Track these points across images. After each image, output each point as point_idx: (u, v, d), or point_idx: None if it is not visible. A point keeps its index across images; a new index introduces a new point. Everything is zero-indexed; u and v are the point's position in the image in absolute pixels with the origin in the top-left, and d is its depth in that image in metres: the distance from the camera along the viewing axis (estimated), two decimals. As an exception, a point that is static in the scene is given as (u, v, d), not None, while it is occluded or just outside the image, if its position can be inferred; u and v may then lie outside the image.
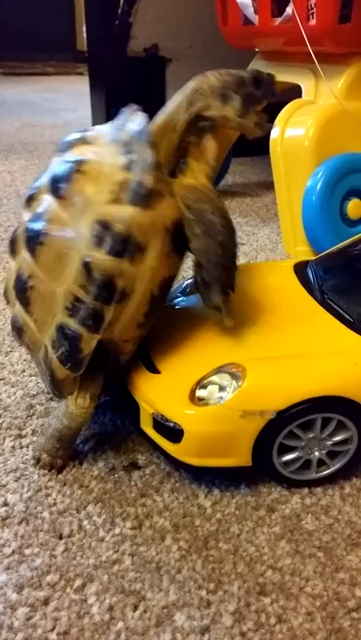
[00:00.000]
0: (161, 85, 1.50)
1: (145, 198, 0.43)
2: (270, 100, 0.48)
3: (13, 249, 0.49)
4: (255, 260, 0.93)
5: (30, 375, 0.63)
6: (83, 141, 0.47)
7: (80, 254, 0.43)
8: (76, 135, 0.48)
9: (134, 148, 0.44)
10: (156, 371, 0.49)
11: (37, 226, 0.45)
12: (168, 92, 1.51)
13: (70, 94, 2.95)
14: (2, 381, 0.62)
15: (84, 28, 1.95)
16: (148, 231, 0.43)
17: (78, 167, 0.45)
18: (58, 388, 0.48)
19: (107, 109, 1.49)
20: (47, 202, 0.46)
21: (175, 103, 0.47)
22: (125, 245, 0.43)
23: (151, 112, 1.50)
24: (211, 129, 0.48)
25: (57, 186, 0.45)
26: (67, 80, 3.67)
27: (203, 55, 1.47)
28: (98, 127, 0.48)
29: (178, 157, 0.48)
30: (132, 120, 0.46)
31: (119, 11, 1.40)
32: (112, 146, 0.45)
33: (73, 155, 0.46)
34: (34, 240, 0.45)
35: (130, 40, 1.43)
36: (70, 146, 0.47)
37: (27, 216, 0.48)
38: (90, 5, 1.55)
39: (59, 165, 0.46)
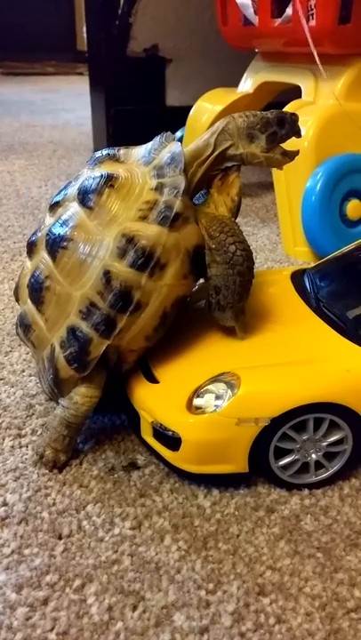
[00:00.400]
0: (161, 85, 1.50)
1: (172, 220, 0.46)
2: (296, 136, 0.51)
3: (32, 250, 0.52)
4: (255, 260, 0.92)
5: (30, 375, 0.63)
6: (114, 159, 0.51)
7: (102, 263, 0.46)
8: (108, 151, 0.51)
9: (166, 172, 0.48)
10: (154, 380, 0.50)
11: (61, 231, 0.48)
12: (168, 92, 1.51)
13: (70, 94, 2.95)
14: (1, 381, 0.62)
15: (84, 29, 1.95)
16: (171, 251, 0.46)
17: (109, 182, 0.48)
18: (59, 387, 0.50)
19: (106, 110, 1.49)
20: (74, 209, 0.49)
21: (204, 140, 0.51)
22: (147, 260, 0.46)
23: (151, 112, 1.50)
24: (237, 167, 0.51)
25: (86, 196, 0.48)
26: (66, 80, 3.67)
27: (202, 55, 1.47)
28: (130, 148, 0.52)
29: (199, 189, 0.51)
30: (168, 147, 0.49)
31: (119, 11, 1.40)
32: (144, 167, 0.49)
33: (104, 170, 0.49)
34: (57, 243, 0.48)
35: (130, 40, 1.43)
36: (101, 162, 0.51)
37: (49, 220, 0.51)
38: (90, 6, 1.55)
39: (89, 178, 0.49)
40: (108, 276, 0.46)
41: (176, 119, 1.30)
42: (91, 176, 0.49)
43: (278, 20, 0.96)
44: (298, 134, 0.51)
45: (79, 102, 2.53)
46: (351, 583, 0.40)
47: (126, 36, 1.42)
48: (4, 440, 0.53)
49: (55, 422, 0.50)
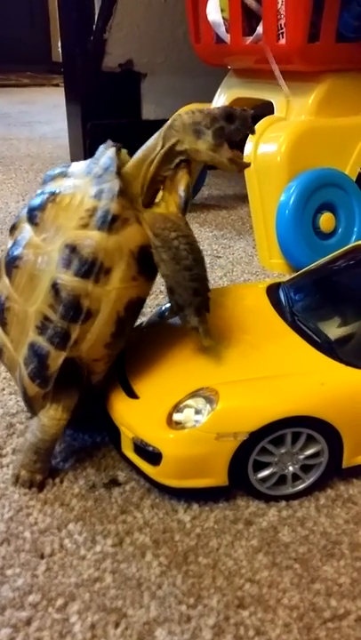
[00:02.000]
0: (136, 100, 1.52)
1: (110, 224, 0.46)
2: (249, 133, 0.50)
3: None
4: (231, 273, 0.94)
5: (10, 394, 0.63)
6: (63, 175, 0.51)
7: (50, 276, 0.47)
8: (58, 170, 0.52)
9: (104, 178, 0.48)
10: (134, 396, 0.50)
11: (15, 251, 0.49)
12: (143, 106, 1.52)
13: (46, 106, 2.95)
14: (-19, 401, 0.62)
15: (60, 43, 1.96)
16: (114, 254, 0.46)
17: (52, 197, 0.49)
18: (30, 405, 0.51)
19: (83, 124, 1.50)
20: (25, 229, 0.50)
21: (152, 139, 0.50)
22: (91, 267, 0.46)
23: (127, 126, 1.51)
24: (185, 163, 0.50)
25: (32, 214, 0.49)
26: (42, 91, 3.67)
27: (177, 70, 1.49)
28: (79, 162, 0.52)
29: (154, 190, 0.51)
30: (105, 153, 0.49)
31: (94, 27, 1.41)
32: (86, 178, 0.49)
33: (51, 187, 0.50)
34: (10, 264, 0.49)
35: (105, 55, 1.44)
36: (52, 179, 0.51)
37: (9, 244, 0.51)
38: (65, 22, 1.56)
39: (37, 196, 0.50)
40: (56, 287, 0.46)
41: (152, 133, 1.30)
42: (37, 194, 0.50)
43: (250, 39, 0.98)
44: (251, 130, 0.50)
45: (55, 114, 2.53)
46: (328, 593, 0.41)
47: (101, 51, 1.44)
48: (-16, 460, 0.53)
49: (25, 447, 0.50)
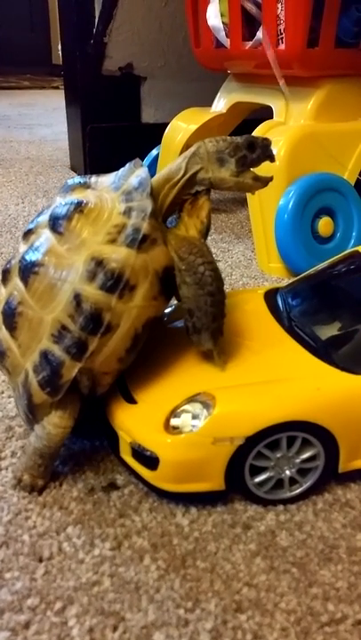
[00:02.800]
0: (136, 103, 1.52)
1: (140, 242, 0.47)
2: (269, 161, 0.52)
3: (6, 278, 0.52)
4: (230, 277, 0.94)
5: (9, 397, 0.63)
6: (85, 186, 0.52)
7: (73, 286, 0.47)
8: (80, 179, 0.52)
9: (134, 197, 0.49)
10: (132, 401, 0.51)
11: (33, 257, 0.49)
12: (143, 110, 1.53)
13: (46, 109, 2.96)
14: (-20, 404, 0.62)
15: (60, 46, 1.96)
16: (139, 273, 0.47)
17: (79, 207, 0.49)
18: (33, 413, 0.50)
19: (83, 127, 1.50)
20: (45, 236, 0.49)
21: (177, 164, 0.52)
22: (117, 282, 0.46)
23: (127, 129, 1.51)
24: (207, 190, 0.52)
25: (56, 222, 0.49)
26: (42, 94, 3.68)
27: (176, 74, 1.49)
28: (101, 176, 0.53)
29: (171, 212, 0.52)
30: (135, 173, 0.50)
31: (94, 30, 1.42)
32: (113, 193, 0.50)
33: (75, 197, 0.50)
34: (28, 269, 0.49)
35: (105, 59, 1.45)
36: (72, 189, 0.52)
37: (23, 248, 0.51)
38: (65, 25, 1.57)
39: (60, 205, 0.50)
40: (78, 298, 0.46)
41: (151, 136, 1.32)
42: (62, 203, 0.50)
43: (249, 43, 0.98)
44: (271, 159, 0.52)
45: (55, 117, 2.54)
46: (325, 597, 0.42)
47: (101, 54, 1.44)
48: (-17, 463, 0.54)
49: (29, 450, 0.50)
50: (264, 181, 0.52)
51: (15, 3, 4.17)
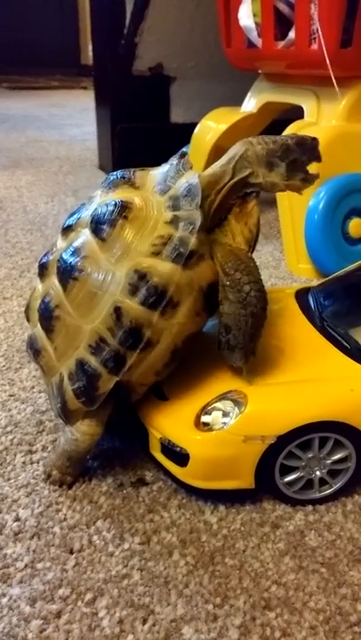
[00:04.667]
0: (165, 103, 1.53)
1: (186, 258, 0.45)
2: (317, 161, 0.49)
3: (43, 272, 0.51)
4: (258, 278, 0.94)
5: (40, 392, 0.64)
6: (129, 183, 0.49)
7: (113, 298, 0.45)
8: (123, 174, 0.50)
9: (182, 205, 0.46)
10: (163, 397, 0.51)
11: (73, 260, 0.47)
12: (172, 110, 1.54)
13: (75, 109, 2.99)
14: (12, 398, 0.64)
15: (90, 46, 1.98)
16: (184, 289, 0.45)
17: (123, 212, 0.46)
18: (66, 416, 0.50)
19: (112, 126, 1.52)
20: (86, 238, 0.48)
21: (221, 167, 0.49)
22: (159, 299, 0.45)
23: (156, 129, 1.52)
24: (256, 194, 0.49)
25: (99, 226, 0.47)
26: (71, 94, 3.72)
27: (206, 74, 1.50)
28: (146, 171, 0.50)
29: (218, 216, 0.49)
30: (185, 175, 0.47)
31: (125, 31, 1.43)
32: (159, 197, 0.47)
33: (119, 196, 0.48)
34: (67, 273, 0.47)
35: (135, 59, 1.46)
36: (115, 185, 0.49)
37: (61, 244, 0.50)
38: (96, 26, 1.58)
39: (103, 205, 0.47)
40: (118, 312, 0.45)
41: (180, 136, 1.32)
42: (104, 203, 0.48)
43: (282, 43, 0.98)
44: (318, 159, 0.49)
45: (84, 117, 2.56)
46: (354, 598, 0.41)
47: (132, 55, 1.46)
48: (15, 456, 0.55)
49: (58, 451, 0.51)
50: (312, 180, 0.50)
51: (46, 3, 4.22)
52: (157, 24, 1.42)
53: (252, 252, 0.49)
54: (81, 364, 0.47)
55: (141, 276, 0.45)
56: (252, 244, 0.49)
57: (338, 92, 0.94)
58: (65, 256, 0.48)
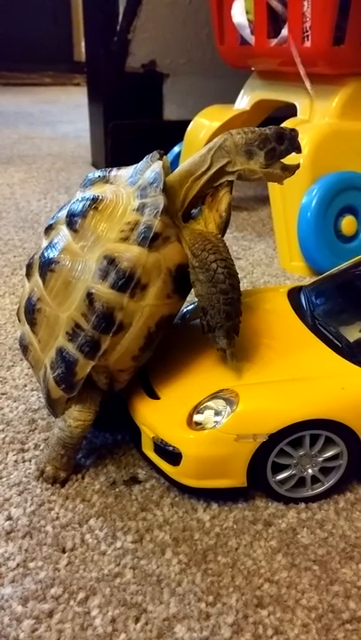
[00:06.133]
0: (159, 100, 1.53)
1: (151, 241, 0.46)
2: (296, 152, 0.51)
3: (29, 272, 0.53)
4: (251, 275, 0.94)
5: (32, 390, 0.64)
6: (104, 180, 0.51)
7: (85, 284, 0.47)
8: (100, 173, 0.52)
9: (148, 192, 0.48)
10: (155, 396, 0.51)
11: (51, 254, 0.49)
12: (165, 107, 1.53)
13: (67, 106, 2.98)
14: (4, 396, 0.63)
15: (83, 43, 1.97)
16: (152, 271, 0.46)
17: (94, 204, 0.48)
18: (52, 407, 0.52)
19: (105, 123, 1.51)
20: (63, 232, 0.50)
21: (200, 156, 0.50)
22: (128, 282, 0.46)
23: (149, 126, 1.52)
24: (228, 183, 0.51)
25: (72, 219, 0.49)
26: (64, 91, 3.70)
27: (199, 71, 1.49)
28: (121, 169, 0.52)
29: (195, 204, 0.51)
30: (152, 166, 0.49)
31: (118, 28, 1.42)
32: (130, 188, 0.49)
33: (92, 192, 0.50)
34: (45, 266, 0.49)
35: (128, 56, 1.45)
36: (92, 183, 0.51)
37: (44, 244, 0.52)
38: (89, 22, 1.58)
39: (77, 201, 0.50)
40: (90, 297, 0.46)
41: (173, 133, 1.32)
42: (79, 199, 0.50)
43: (274, 41, 0.98)
44: (298, 150, 0.51)
45: (77, 114, 2.55)
46: (346, 595, 0.42)
47: (125, 51, 1.45)
48: (7, 455, 0.54)
49: (52, 441, 0.51)
50: (292, 170, 0.51)
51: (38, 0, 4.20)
52: (150, 21, 1.42)
53: (222, 235, 0.50)
54: (60, 352, 0.48)
55: (110, 260, 0.46)
56: (222, 229, 0.50)
57: (311, 91, 0.94)
58: (45, 252, 0.50)
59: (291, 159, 0.51)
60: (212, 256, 0.47)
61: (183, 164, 0.51)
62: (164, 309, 0.48)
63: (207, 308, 0.48)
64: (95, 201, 0.48)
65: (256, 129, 0.50)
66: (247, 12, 1.02)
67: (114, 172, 0.52)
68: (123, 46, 1.44)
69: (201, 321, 0.49)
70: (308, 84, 0.95)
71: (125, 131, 1.51)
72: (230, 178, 0.50)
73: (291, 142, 0.50)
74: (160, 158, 0.50)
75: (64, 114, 2.71)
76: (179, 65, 1.49)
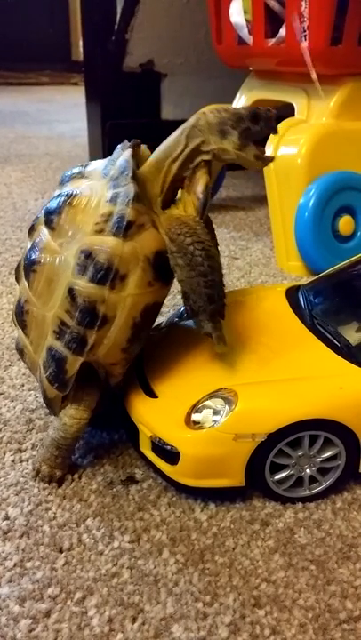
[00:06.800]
0: (156, 100, 1.52)
1: (125, 230, 0.46)
2: (272, 133, 0.50)
3: (17, 276, 0.53)
4: (248, 274, 0.94)
5: (29, 389, 0.64)
6: (80, 175, 0.50)
7: (67, 281, 0.47)
8: (76, 169, 0.51)
9: (120, 182, 0.47)
10: (153, 395, 0.51)
11: (33, 255, 0.49)
12: (163, 107, 1.53)
13: (65, 105, 2.97)
14: (1, 395, 0.63)
15: (81, 42, 1.97)
16: (129, 261, 0.46)
17: (68, 200, 0.48)
18: (50, 406, 0.52)
19: (102, 123, 1.51)
20: (42, 232, 0.49)
21: (174, 138, 0.49)
22: (107, 274, 0.46)
23: (146, 126, 1.52)
24: (205, 163, 0.49)
25: (49, 218, 0.49)
26: (61, 90, 3.70)
27: (197, 71, 1.49)
28: (96, 162, 0.51)
29: (175, 189, 0.50)
30: (122, 155, 0.48)
31: (115, 27, 1.42)
32: (102, 180, 0.48)
33: (68, 188, 0.49)
34: (28, 267, 0.49)
35: (126, 56, 1.45)
36: (70, 179, 0.51)
37: (28, 245, 0.51)
38: (87, 22, 1.57)
39: (54, 199, 0.49)
40: (72, 293, 0.46)
41: (171, 133, 1.32)
42: (54, 196, 0.50)
43: (272, 41, 0.98)
44: (274, 130, 0.49)
45: (74, 113, 2.55)
46: (343, 595, 0.42)
47: (122, 51, 1.45)
48: (4, 455, 0.54)
49: (47, 442, 0.51)
50: (266, 161, 0.50)
51: (36, -1, 4.19)
52: (148, 21, 1.42)
53: (201, 218, 0.49)
54: (50, 351, 0.49)
55: (87, 254, 0.46)
56: (201, 211, 0.49)
57: (321, 93, 0.94)
58: (28, 254, 0.50)
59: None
60: (189, 239, 0.46)
61: (158, 148, 0.50)
62: (148, 298, 0.48)
63: (189, 293, 0.47)
64: (69, 197, 0.48)
65: (230, 107, 0.49)
66: (245, 12, 1.02)
67: (90, 166, 0.51)
68: (120, 46, 1.44)
69: (184, 305, 0.49)
70: (317, 84, 0.94)
71: (123, 130, 1.50)
72: (205, 157, 0.49)
73: (266, 122, 0.48)
74: (134, 147, 0.48)
75: (61, 113, 2.70)
76: (176, 65, 1.49)
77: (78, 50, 4.10)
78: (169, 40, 1.45)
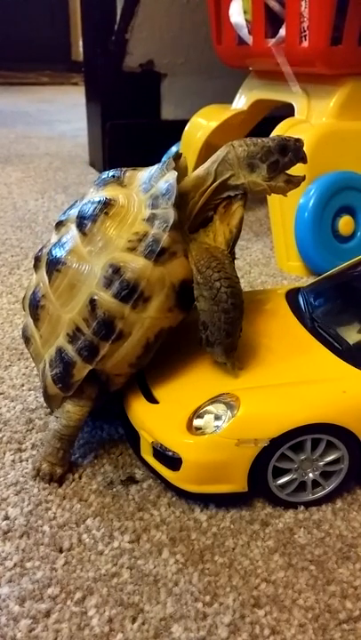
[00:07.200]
0: (156, 100, 1.52)
1: (158, 255, 0.46)
2: (302, 163, 0.50)
3: (37, 265, 0.53)
4: (248, 275, 0.94)
5: (29, 389, 0.64)
6: (118, 181, 0.51)
7: (89, 290, 0.47)
8: (114, 173, 0.51)
9: (159, 203, 0.47)
10: (154, 401, 0.50)
11: (59, 253, 0.50)
12: (163, 107, 1.53)
13: (65, 105, 2.97)
14: (1, 395, 0.63)
15: (81, 42, 1.97)
16: (155, 285, 0.46)
17: (105, 208, 0.48)
18: (48, 402, 0.53)
19: (102, 123, 1.51)
20: (72, 232, 0.50)
21: (205, 169, 0.50)
22: (131, 293, 0.46)
23: (146, 126, 1.52)
24: (242, 196, 0.50)
25: (82, 221, 0.49)
26: (61, 90, 3.70)
27: (197, 71, 1.49)
28: (136, 171, 0.51)
29: (201, 216, 0.51)
30: (165, 176, 0.48)
31: (115, 27, 1.42)
32: (142, 195, 0.49)
33: (105, 193, 0.49)
34: (52, 265, 0.50)
35: (126, 56, 1.45)
36: (106, 183, 0.51)
37: (54, 239, 0.52)
38: (87, 22, 1.58)
39: (90, 202, 0.49)
40: (93, 303, 0.47)
41: (171, 133, 1.32)
42: (91, 200, 0.50)
43: (272, 41, 0.98)
44: (303, 160, 0.50)
45: (74, 113, 2.55)
46: (343, 595, 0.42)
47: (122, 51, 1.45)
48: (4, 454, 0.54)
49: (49, 436, 0.52)
50: (297, 182, 0.51)
51: (36, -1, 4.19)
52: (148, 21, 1.42)
53: (230, 252, 0.50)
54: (59, 352, 0.49)
55: (115, 269, 0.46)
56: (230, 244, 0.50)
57: (295, 89, 0.94)
58: (53, 249, 0.50)
59: (296, 170, 0.50)
60: (217, 274, 0.46)
61: (190, 176, 0.50)
62: (165, 322, 0.48)
63: (208, 324, 0.48)
64: (106, 205, 0.48)
65: (259, 140, 0.49)
66: (245, 12, 1.02)
67: (128, 173, 0.51)
68: (120, 46, 1.44)
69: (200, 334, 0.49)
70: (292, 81, 0.94)
71: (123, 130, 1.51)
72: (236, 191, 0.50)
73: (295, 153, 0.49)
74: (176, 163, 0.49)
75: (61, 113, 2.70)
76: (176, 65, 1.49)
77: (78, 50, 4.10)
78: (169, 40, 1.45)
